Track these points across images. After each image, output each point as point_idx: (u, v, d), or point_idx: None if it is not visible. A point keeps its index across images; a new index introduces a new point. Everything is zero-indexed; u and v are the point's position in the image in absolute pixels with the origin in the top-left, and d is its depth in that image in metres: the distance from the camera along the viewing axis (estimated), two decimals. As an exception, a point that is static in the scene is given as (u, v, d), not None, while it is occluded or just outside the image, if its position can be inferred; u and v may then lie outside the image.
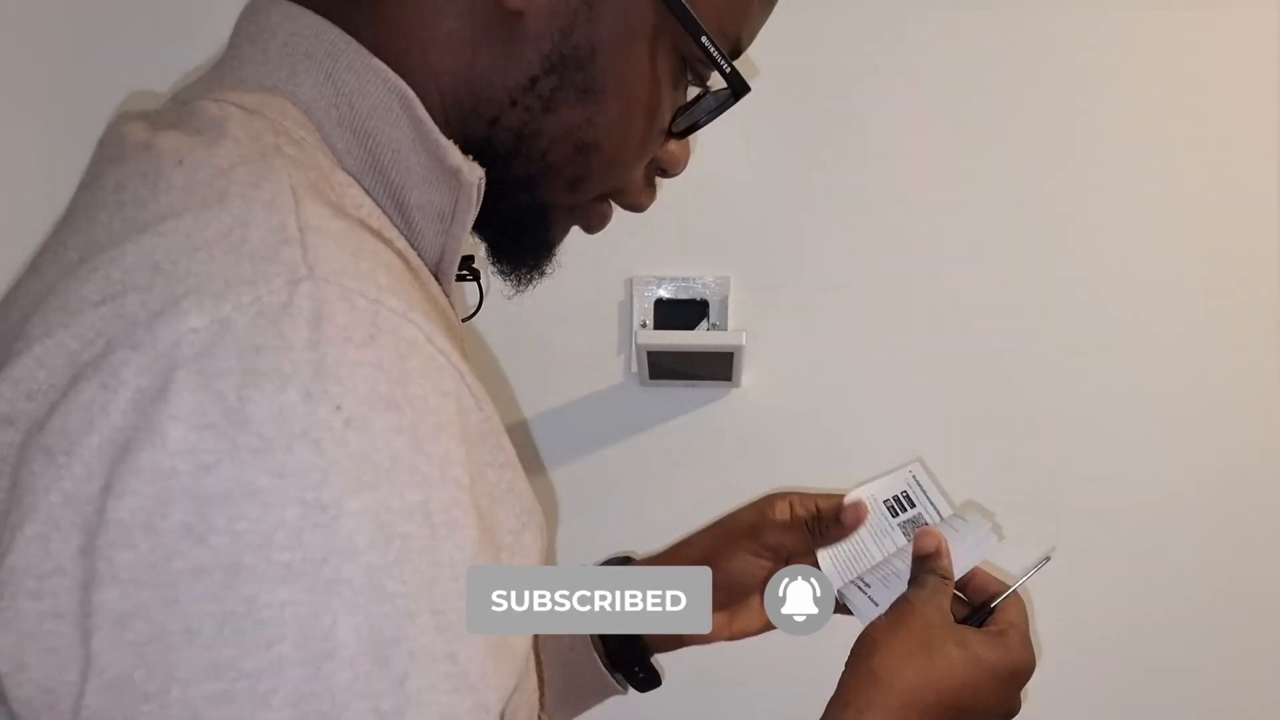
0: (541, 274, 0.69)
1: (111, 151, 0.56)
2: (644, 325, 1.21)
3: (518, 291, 0.70)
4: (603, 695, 0.91)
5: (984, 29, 1.20)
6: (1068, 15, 1.19)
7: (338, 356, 0.45)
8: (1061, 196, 1.20)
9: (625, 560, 0.92)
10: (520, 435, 1.24)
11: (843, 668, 0.74)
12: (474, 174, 0.59)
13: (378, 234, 0.54)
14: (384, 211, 0.58)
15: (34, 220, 0.64)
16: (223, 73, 0.60)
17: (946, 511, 0.86)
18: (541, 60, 0.59)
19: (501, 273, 0.69)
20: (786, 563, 0.88)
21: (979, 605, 0.80)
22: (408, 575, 0.45)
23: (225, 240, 0.47)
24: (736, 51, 0.66)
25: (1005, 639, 0.75)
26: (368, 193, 0.57)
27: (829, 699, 0.72)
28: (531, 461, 1.25)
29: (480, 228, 0.67)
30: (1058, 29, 1.19)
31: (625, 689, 0.91)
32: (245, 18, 0.61)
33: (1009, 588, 0.80)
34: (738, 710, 1.25)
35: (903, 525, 0.86)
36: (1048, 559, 0.82)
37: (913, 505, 0.87)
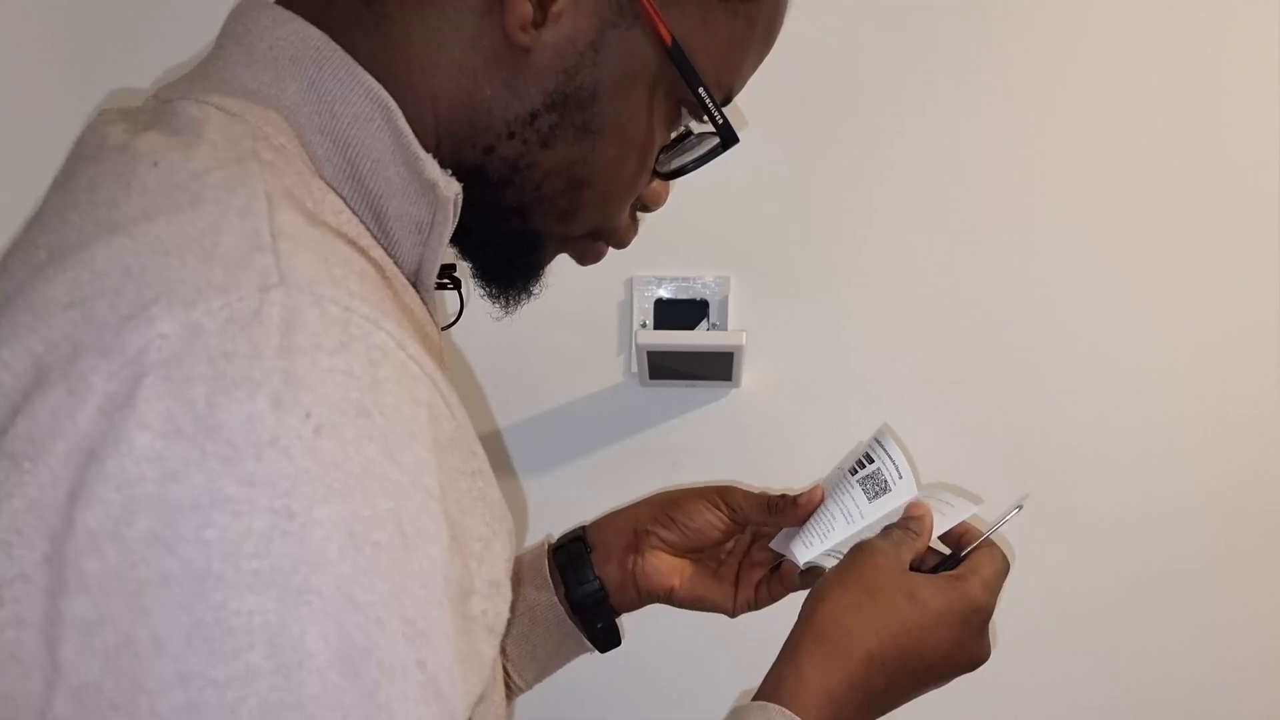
0: (529, 296, 0.70)
1: (88, 151, 0.56)
2: (644, 325, 1.21)
3: (506, 313, 0.71)
4: (566, 651, 0.91)
5: (985, 29, 1.19)
6: (1068, 15, 1.19)
7: (308, 364, 0.45)
8: (1062, 196, 1.20)
9: (579, 537, 0.92)
10: (520, 435, 1.25)
11: None
12: (450, 189, 0.59)
13: (353, 242, 0.54)
14: (361, 220, 0.58)
15: (10, 218, 0.65)
16: (206, 73, 0.60)
17: (905, 471, 0.86)
18: (544, 97, 0.60)
19: (489, 295, 0.70)
20: (749, 545, 0.90)
21: (949, 555, 0.79)
22: (378, 584, 0.45)
23: (197, 245, 0.47)
24: (727, 99, 0.67)
25: (960, 584, 0.74)
26: (345, 201, 0.57)
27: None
28: (504, 465, 1.25)
29: (468, 251, 0.68)
30: (1058, 28, 1.19)
31: (589, 646, 0.91)
32: (233, 19, 0.61)
33: (980, 535, 0.79)
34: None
35: (862, 482, 0.86)
36: (1020, 507, 0.80)
37: (871, 462, 0.87)
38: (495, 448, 1.24)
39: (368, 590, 0.45)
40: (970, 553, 0.78)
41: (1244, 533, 1.21)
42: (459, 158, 0.61)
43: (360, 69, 0.57)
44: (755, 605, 0.90)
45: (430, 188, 0.59)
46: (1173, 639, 1.23)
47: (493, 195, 0.62)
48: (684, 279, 1.22)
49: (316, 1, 0.59)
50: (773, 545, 0.89)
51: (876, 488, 0.86)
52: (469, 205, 0.62)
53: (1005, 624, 1.22)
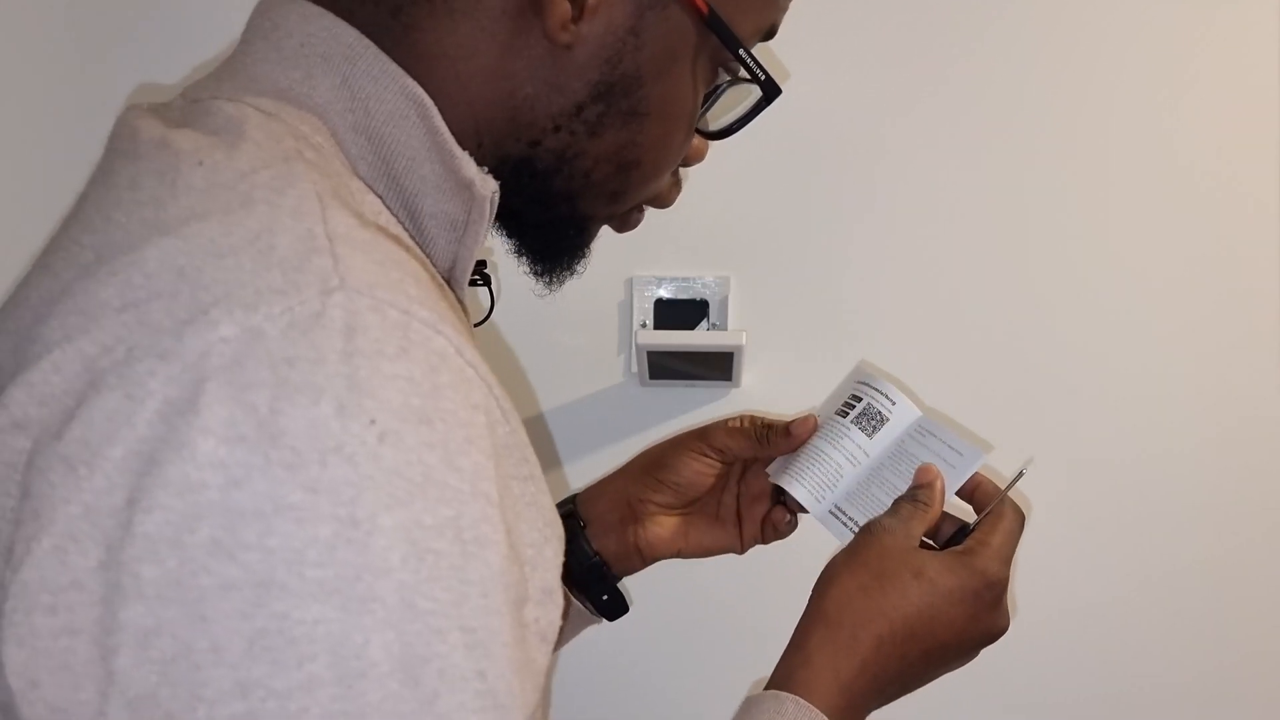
0: (573, 274, 0.70)
1: (124, 146, 0.55)
2: (644, 325, 1.21)
3: (549, 290, 0.70)
4: (577, 627, 0.91)
5: (986, 30, 1.20)
6: (1070, 15, 1.19)
7: (371, 369, 0.44)
8: (1063, 197, 1.20)
9: (572, 498, 0.92)
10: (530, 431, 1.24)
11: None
12: (487, 188, 0.59)
13: (399, 241, 0.53)
14: (397, 219, 0.58)
15: (39, 213, 0.64)
16: (235, 71, 0.59)
17: (897, 397, 0.85)
18: (589, 89, 0.60)
19: (534, 272, 0.69)
20: (742, 476, 0.89)
21: (963, 525, 0.78)
22: (439, 592, 0.45)
23: (252, 247, 0.46)
24: (772, 34, 0.67)
25: (968, 558, 0.73)
26: (381, 200, 0.57)
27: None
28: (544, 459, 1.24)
29: (516, 234, 0.68)
30: (1059, 27, 1.19)
31: (597, 617, 0.91)
32: (260, 14, 0.60)
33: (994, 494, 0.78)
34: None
35: (856, 420, 0.85)
36: (1022, 473, 0.79)
37: (860, 400, 0.87)
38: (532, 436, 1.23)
39: (428, 599, 0.45)
40: (980, 521, 0.77)
41: (1245, 533, 1.22)
42: (503, 152, 0.60)
43: (394, 65, 0.57)
44: (763, 540, 0.90)
45: (466, 185, 0.58)
46: (1174, 639, 1.23)
47: (541, 184, 0.62)
48: (684, 279, 1.22)
49: (337, 8, 0.58)
50: (769, 474, 0.88)
51: (873, 423, 0.85)
52: (516, 193, 0.61)
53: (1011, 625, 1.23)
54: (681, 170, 0.70)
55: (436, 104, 0.57)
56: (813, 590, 0.74)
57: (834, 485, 0.84)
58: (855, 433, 0.85)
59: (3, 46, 1.18)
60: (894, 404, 0.84)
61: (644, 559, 0.89)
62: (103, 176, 0.55)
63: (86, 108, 1.16)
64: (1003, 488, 0.78)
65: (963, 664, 0.75)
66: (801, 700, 0.68)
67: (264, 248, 0.46)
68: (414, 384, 0.45)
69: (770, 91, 0.66)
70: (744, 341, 1.17)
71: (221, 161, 0.51)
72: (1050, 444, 1.22)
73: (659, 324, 1.21)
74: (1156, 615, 1.23)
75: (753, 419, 0.88)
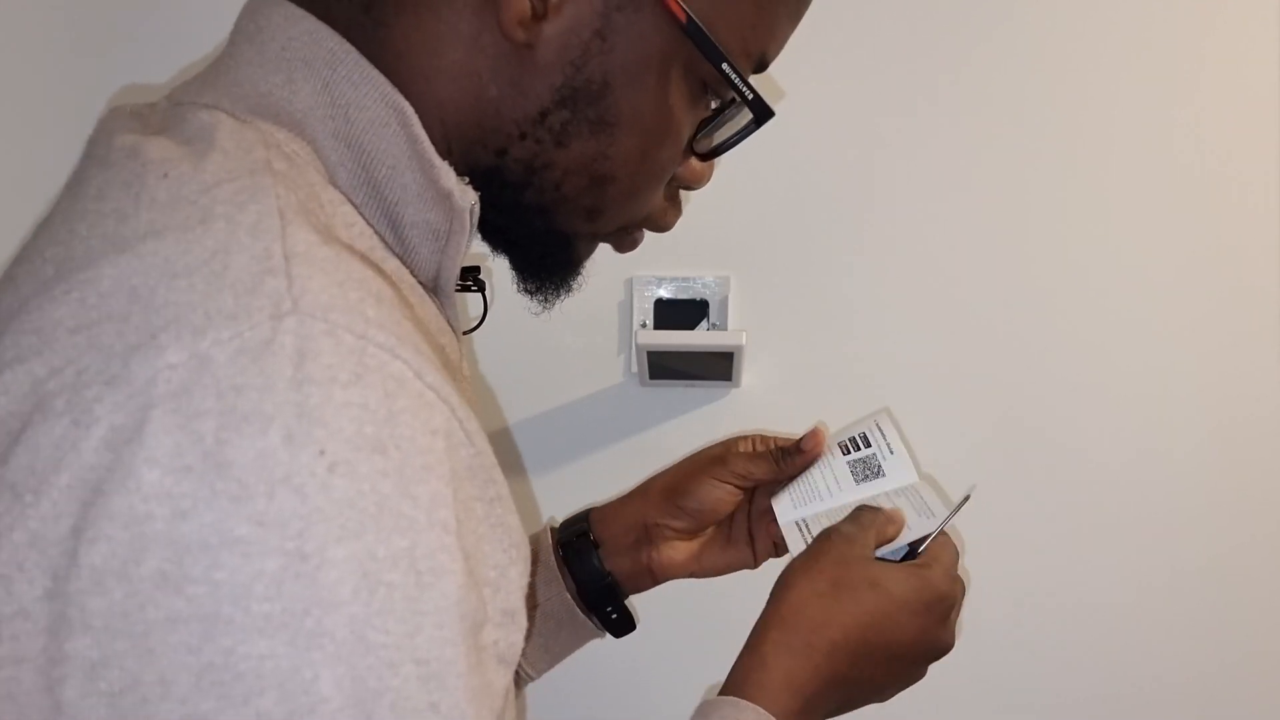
0: (568, 291, 0.68)
1: (99, 152, 0.54)
2: (644, 325, 1.21)
3: (545, 309, 0.69)
4: (581, 640, 0.91)
5: (986, 30, 1.20)
6: (1070, 15, 1.19)
7: (322, 397, 0.43)
8: (1063, 197, 1.20)
9: (585, 515, 0.92)
10: (520, 436, 1.24)
11: None
12: (466, 199, 0.58)
13: (366, 258, 0.52)
14: (376, 230, 0.57)
15: (25, 217, 0.64)
16: (219, 74, 0.58)
17: (903, 457, 0.86)
18: (552, 93, 0.58)
19: (527, 291, 0.68)
20: (751, 496, 0.89)
21: (910, 549, 0.79)
22: (391, 625, 0.44)
23: (206, 267, 0.45)
24: (763, 66, 0.64)
25: (924, 571, 0.74)
26: (359, 210, 0.56)
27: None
28: (515, 463, 1.24)
29: (503, 249, 0.66)
30: (1060, 28, 1.19)
31: (603, 632, 0.91)
32: (246, 16, 0.60)
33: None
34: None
35: (852, 464, 0.86)
36: (968, 497, 0.80)
37: (867, 445, 0.87)
38: (508, 446, 1.23)
39: (380, 631, 0.44)
40: (927, 545, 0.78)
41: (1245, 533, 1.21)
42: (473, 161, 0.59)
43: (375, 72, 0.56)
44: (777, 553, 0.89)
45: (446, 196, 0.57)
46: (1175, 639, 1.23)
47: (513, 196, 0.60)
48: (684, 279, 1.22)
49: (317, 9, 0.57)
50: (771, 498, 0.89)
51: (867, 472, 0.86)
52: (493, 206, 0.60)
53: (1007, 623, 1.23)
54: (682, 193, 0.69)
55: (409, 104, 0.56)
56: (770, 594, 0.74)
57: (808, 501, 0.85)
58: (846, 473, 0.86)
59: None
60: (895, 463, 0.85)
61: (655, 579, 0.90)
62: (75, 184, 0.54)
63: (76, 108, 1.16)
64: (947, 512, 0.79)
65: (913, 678, 0.76)
66: (758, 707, 0.68)
67: (218, 268, 0.45)
68: (368, 411, 0.44)
69: (760, 113, 0.63)
70: (744, 341, 1.17)
71: (187, 173, 0.50)
72: (1051, 443, 1.22)
73: (659, 324, 1.21)
74: (1156, 615, 1.23)
75: (764, 439, 0.88)
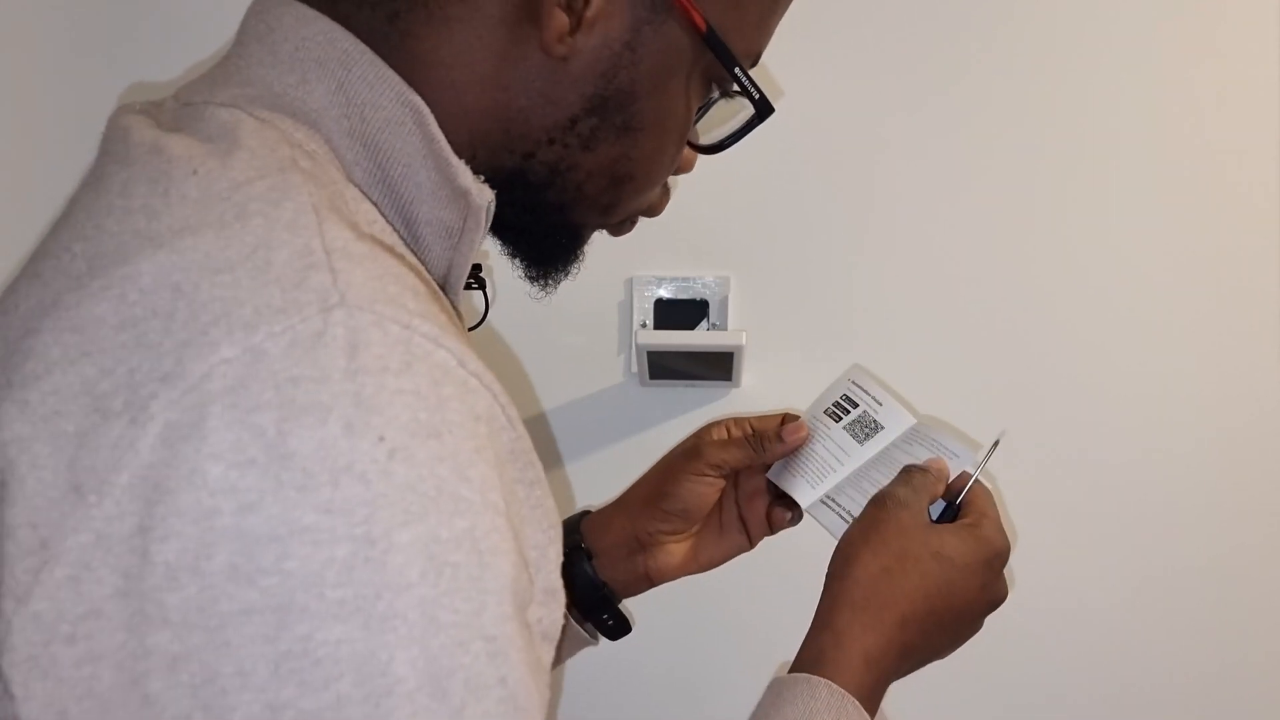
0: (568, 276, 0.70)
1: (116, 149, 0.54)
2: (644, 325, 1.21)
3: (544, 294, 0.70)
4: (573, 649, 0.91)
5: (986, 29, 1.20)
6: (1070, 14, 1.19)
7: (376, 386, 0.44)
8: (1064, 197, 1.20)
9: (581, 515, 0.93)
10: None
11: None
12: (483, 197, 0.59)
13: (395, 253, 0.53)
14: (392, 226, 0.57)
15: (32, 214, 0.64)
16: (229, 74, 0.58)
17: (892, 404, 0.87)
18: (583, 102, 0.60)
19: (529, 276, 0.69)
20: (735, 480, 0.90)
21: (946, 501, 0.81)
22: (459, 604, 0.45)
23: (249, 262, 0.46)
24: (757, 60, 0.67)
25: (978, 531, 0.77)
26: (377, 207, 0.56)
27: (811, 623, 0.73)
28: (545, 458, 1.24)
29: (508, 240, 0.67)
30: (1060, 27, 1.19)
31: (596, 639, 0.92)
32: (255, 16, 0.60)
33: (970, 478, 0.81)
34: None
35: (848, 428, 0.86)
36: (997, 443, 0.82)
37: (854, 406, 0.87)
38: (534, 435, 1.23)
39: (450, 611, 0.45)
40: (965, 496, 0.80)
41: (1245, 533, 1.22)
42: (496, 164, 0.60)
43: (390, 71, 0.56)
44: (771, 530, 0.90)
45: (462, 194, 0.58)
46: (1175, 639, 1.23)
47: (534, 196, 0.62)
48: (684, 279, 1.22)
49: (332, 13, 0.57)
50: (769, 477, 0.89)
51: (866, 430, 0.86)
52: (509, 203, 0.61)
53: (1007, 622, 1.23)
54: (671, 178, 0.71)
55: (433, 111, 0.57)
56: (831, 568, 0.75)
57: (824, 478, 0.85)
58: (848, 440, 0.86)
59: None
60: (889, 412, 0.85)
61: (653, 583, 0.90)
62: (94, 181, 0.54)
63: (80, 107, 1.16)
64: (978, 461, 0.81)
65: (974, 633, 0.78)
66: (834, 685, 0.69)
67: (261, 263, 0.46)
68: (420, 398, 0.45)
69: (764, 110, 0.65)
70: (744, 341, 1.17)
71: (215, 170, 0.50)
72: (1052, 442, 1.22)
73: (659, 324, 1.21)
74: (1156, 615, 1.23)
75: (739, 423, 0.88)
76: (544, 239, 0.66)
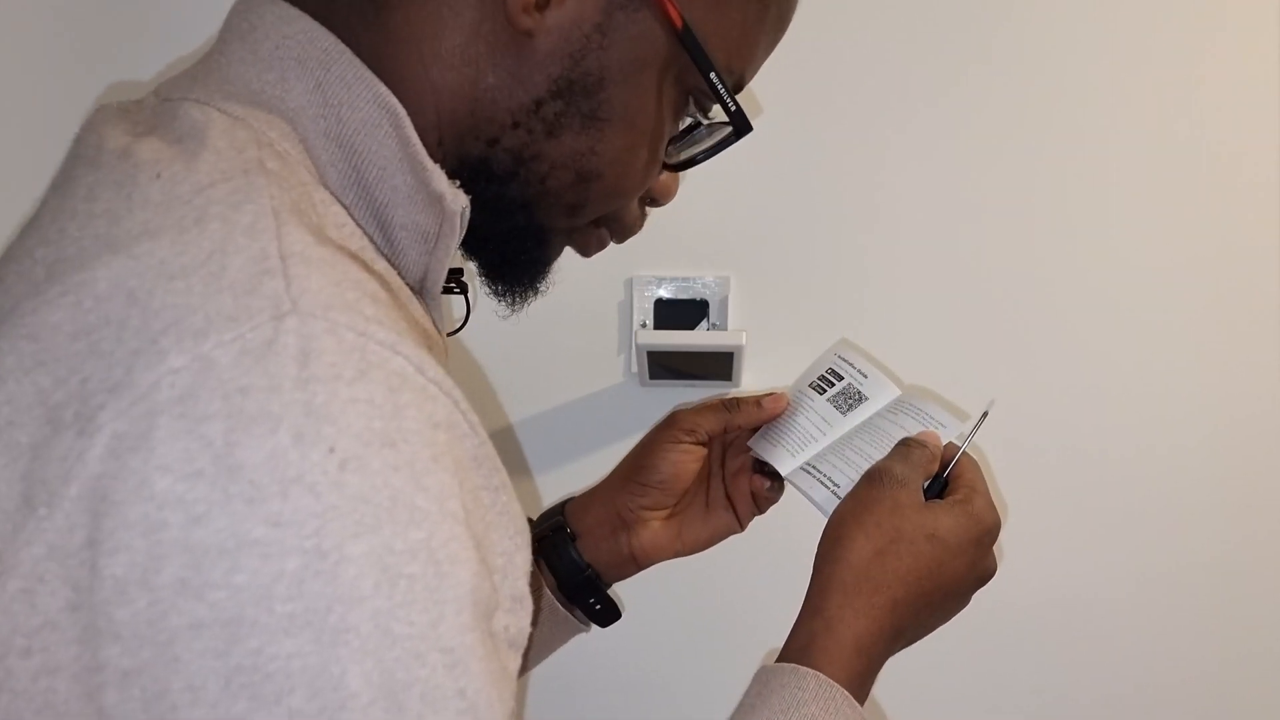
0: (536, 293, 0.69)
1: (87, 153, 0.54)
2: (644, 325, 1.21)
3: (512, 311, 0.69)
4: (565, 636, 0.91)
5: (987, 28, 1.19)
6: (1070, 14, 1.19)
7: (328, 394, 0.44)
8: (1065, 197, 1.20)
9: (565, 501, 0.92)
10: (520, 436, 1.25)
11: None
12: (458, 203, 0.58)
13: (357, 258, 0.52)
14: (365, 231, 0.57)
15: (16, 213, 0.64)
16: (210, 70, 0.58)
17: (878, 376, 0.86)
18: (549, 84, 0.59)
19: (496, 293, 0.68)
20: (722, 459, 0.90)
21: (934, 475, 0.79)
22: (415, 616, 0.45)
23: (204, 268, 0.46)
24: (739, 87, 0.66)
25: (969, 507, 0.76)
26: (349, 211, 0.56)
27: (802, 604, 0.72)
28: (518, 461, 1.25)
29: (473, 249, 0.67)
30: (1060, 25, 1.19)
31: (587, 625, 0.91)
32: (238, 14, 0.60)
33: (957, 449, 0.80)
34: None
35: (833, 400, 0.86)
36: (986, 414, 0.80)
37: (839, 379, 0.87)
38: (509, 444, 1.23)
39: (405, 623, 0.44)
40: (953, 468, 0.79)
41: (1247, 530, 1.21)
42: (463, 152, 0.60)
43: (369, 72, 0.56)
44: (760, 510, 0.90)
45: (437, 199, 0.57)
46: (1175, 638, 1.22)
47: (498, 189, 0.61)
48: (684, 279, 1.22)
49: (314, 6, 0.57)
50: (751, 446, 0.88)
51: (850, 402, 0.86)
52: (477, 201, 0.60)
53: (1007, 620, 1.22)
54: (682, 192, 0.70)
55: (402, 90, 0.57)
56: (821, 549, 0.74)
57: (805, 447, 0.84)
58: (831, 411, 0.85)
59: None
60: (874, 384, 0.85)
61: (639, 565, 0.89)
62: (63, 183, 0.54)
63: (62, 106, 1.17)
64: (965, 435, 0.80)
65: (961, 608, 0.77)
66: (822, 675, 0.67)
67: (215, 269, 0.45)
68: (375, 406, 0.45)
69: (740, 127, 0.64)
70: (744, 341, 1.17)
71: (179, 174, 0.50)
72: (1053, 442, 1.22)
73: (659, 324, 1.21)
74: (1157, 613, 1.22)
75: (714, 399, 0.88)
76: (507, 244, 0.65)
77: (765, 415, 0.86)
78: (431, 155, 0.58)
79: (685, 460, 0.87)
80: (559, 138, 0.60)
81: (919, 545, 0.72)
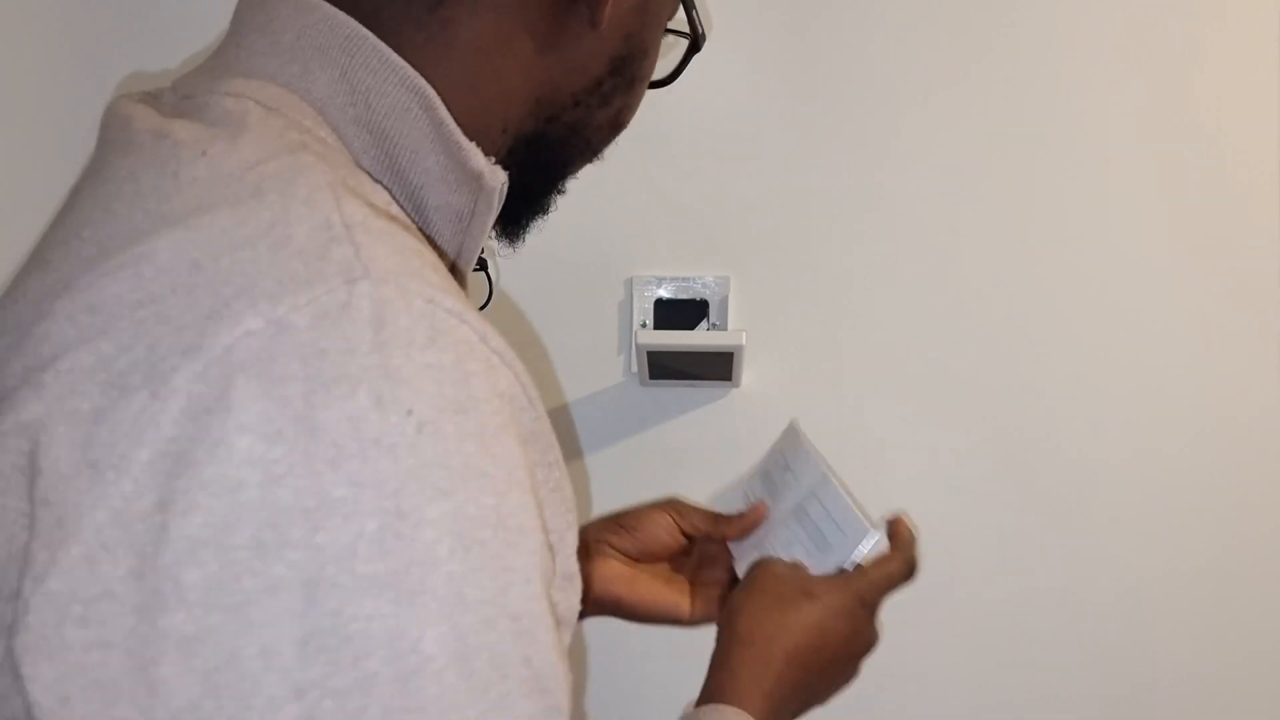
0: (529, 231, 0.70)
1: (118, 137, 0.54)
2: (644, 325, 1.21)
3: (514, 250, 0.70)
4: None
5: (985, 29, 1.20)
6: (1068, 13, 1.19)
7: (403, 359, 0.44)
8: (1063, 197, 1.20)
9: None
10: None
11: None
12: (497, 179, 0.59)
13: (410, 231, 0.52)
14: (405, 211, 0.57)
15: (31, 207, 0.64)
16: (229, 65, 0.58)
17: (802, 462, 0.91)
18: (609, 65, 0.62)
19: (505, 236, 0.69)
20: (692, 544, 0.92)
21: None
22: (485, 581, 0.44)
23: (268, 237, 0.45)
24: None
25: (847, 579, 0.81)
26: (389, 191, 0.56)
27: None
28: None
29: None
30: (1059, 25, 1.19)
31: None
32: (250, 7, 0.59)
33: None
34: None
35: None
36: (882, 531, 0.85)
37: (782, 465, 0.92)
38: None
39: (476, 588, 0.44)
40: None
41: (1244, 530, 1.21)
42: (520, 131, 0.61)
43: (394, 55, 0.56)
44: (714, 619, 0.90)
45: (475, 177, 0.58)
46: (1174, 638, 1.23)
47: (548, 154, 0.63)
48: (684, 279, 1.22)
49: (363, 8, 0.57)
50: (735, 563, 0.92)
51: (769, 488, 0.91)
52: (527, 168, 0.62)
53: (1004, 621, 1.23)
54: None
55: (460, 97, 0.57)
56: (720, 620, 0.81)
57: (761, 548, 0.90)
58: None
59: None
60: (795, 470, 0.91)
61: (589, 592, 0.90)
62: (97, 169, 0.54)
63: (75, 99, 1.16)
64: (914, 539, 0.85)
65: (852, 675, 0.82)
66: (742, 711, 0.73)
67: (280, 238, 0.45)
68: (445, 372, 0.45)
69: (699, 41, 0.69)
70: (744, 341, 1.17)
71: (225, 152, 0.49)
72: (1052, 442, 1.22)
73: (659, 324, 1.21)
74: (1155, 613, 1.23)
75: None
76: (539, 196, 0.67)
77: (744, 528, 0.91)
78: (494, 139, 0.60)
79: (666, 534, 0.91)
80: (610, 105, 0.64)
81: (799, 601, 0.79)
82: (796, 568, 0.83)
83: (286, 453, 0.42)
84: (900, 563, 0.83)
